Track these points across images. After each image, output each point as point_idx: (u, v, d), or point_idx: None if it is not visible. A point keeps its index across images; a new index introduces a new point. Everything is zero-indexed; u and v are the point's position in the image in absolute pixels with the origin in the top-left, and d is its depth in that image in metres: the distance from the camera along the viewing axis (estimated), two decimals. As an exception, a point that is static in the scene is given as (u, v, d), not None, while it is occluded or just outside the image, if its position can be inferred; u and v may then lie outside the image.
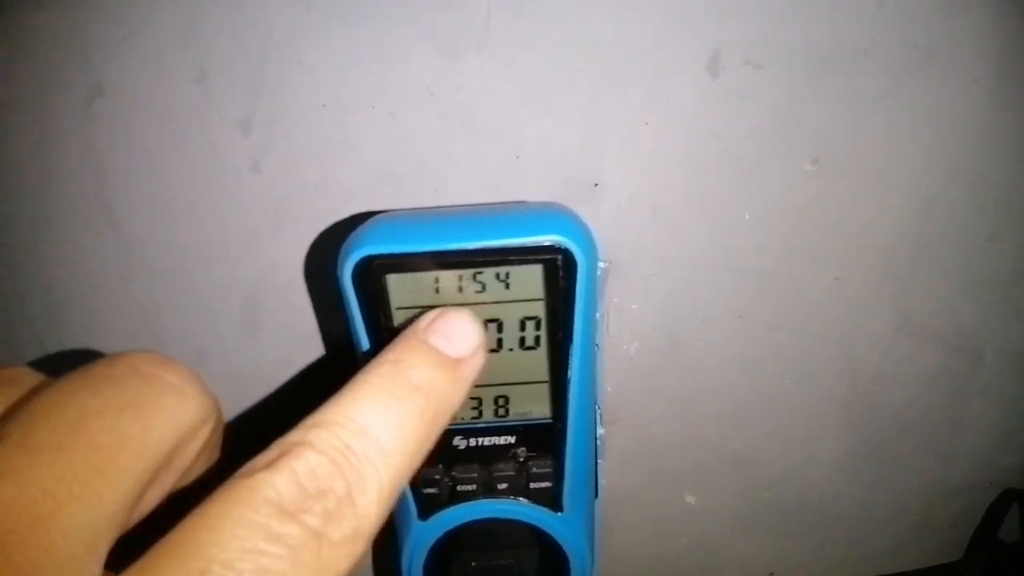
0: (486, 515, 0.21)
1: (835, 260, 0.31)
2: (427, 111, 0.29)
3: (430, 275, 0.18)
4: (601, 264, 0.29)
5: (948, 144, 0.29)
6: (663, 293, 0.32)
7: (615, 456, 0.34)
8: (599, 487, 0.23)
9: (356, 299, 0.18)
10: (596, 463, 0.22)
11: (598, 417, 0.21)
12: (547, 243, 0.17)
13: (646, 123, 0.28)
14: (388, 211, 0.20)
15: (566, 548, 0.22)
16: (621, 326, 0.32)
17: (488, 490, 0.21)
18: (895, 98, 0.28)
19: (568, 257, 0.18)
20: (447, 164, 0.29)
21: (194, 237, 0.31)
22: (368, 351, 0.19)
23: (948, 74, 0.28)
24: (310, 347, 0.32)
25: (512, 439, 0.20)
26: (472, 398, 0.20)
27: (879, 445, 0.35)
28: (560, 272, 0.18)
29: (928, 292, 0.32)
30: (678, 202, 0.30)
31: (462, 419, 0.20)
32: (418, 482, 0.20)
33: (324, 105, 0.29)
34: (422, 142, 0.29)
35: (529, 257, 0.18)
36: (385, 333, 0.19)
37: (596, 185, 0.29)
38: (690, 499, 0.36)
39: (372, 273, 0.18)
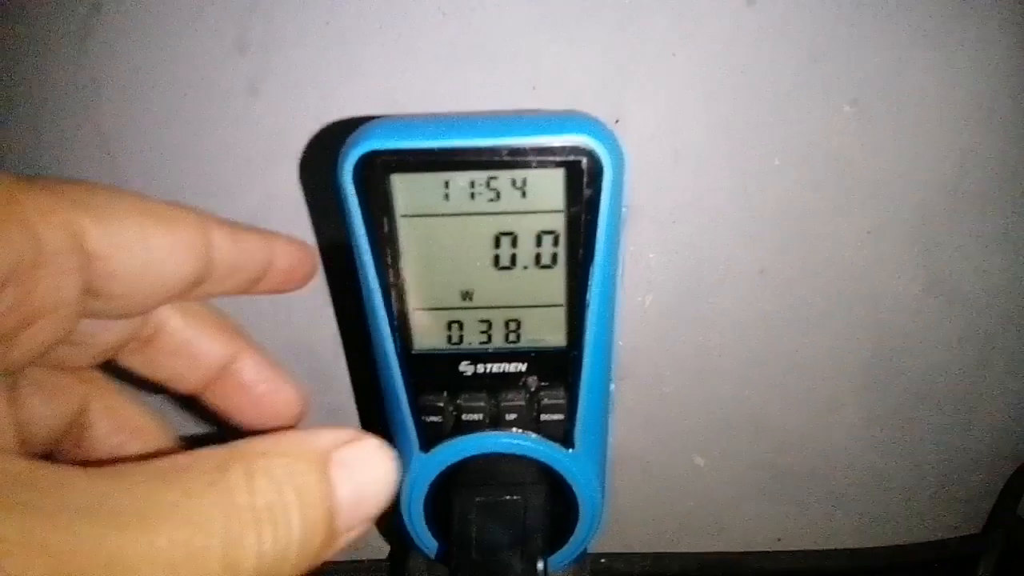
0: (493, 449, 0.20)
1: (868, 212, 0.29)
2: (438, 34, 0.27)
3: (440, 177, 0.16)
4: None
5: (989, 94, 0.28)
6: (682, 242, 0.30)
7: (624, 413, 0.33)
8: (610, 432, 0.22)
9: (357, 204, 0.17)
10: (610, 400, 0.21)
11: (615, 350, 0.20)
12: (571, 143, 0.16)
13: (673, 55, 0.27)
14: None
15: (576, 488, 0.20)
16: (637, 276, 0.31)
17: (495, 421, 0.19)
18: (938, 41, 0.27)
19: (594, 161, 0.16)
20: (458, 93, 0.28)
21: (189, 165, 0.29)
22: (370, 269, 0.18)
23: (992, 21, 0.26)
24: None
25: (523, 367, 0.19)
26: (481, 321, 0.18)
27: (899, 412, 0.34)
28: (585, 178, 0.16)
29: (960, 251, 0.30)
30: (704, 144, 0.28)
31: (469, 343, 0.19)
32: (421, 411, 0.19)
33: (327, 23, 0.27)
34: (432, 68, 0.27)
35: (550, 159, 0.16)
36: (388, 247, 0.17)
37: (617, 122, 0.28)
38: (699, 461, 0.35)
39: (376, 171, 0.16)
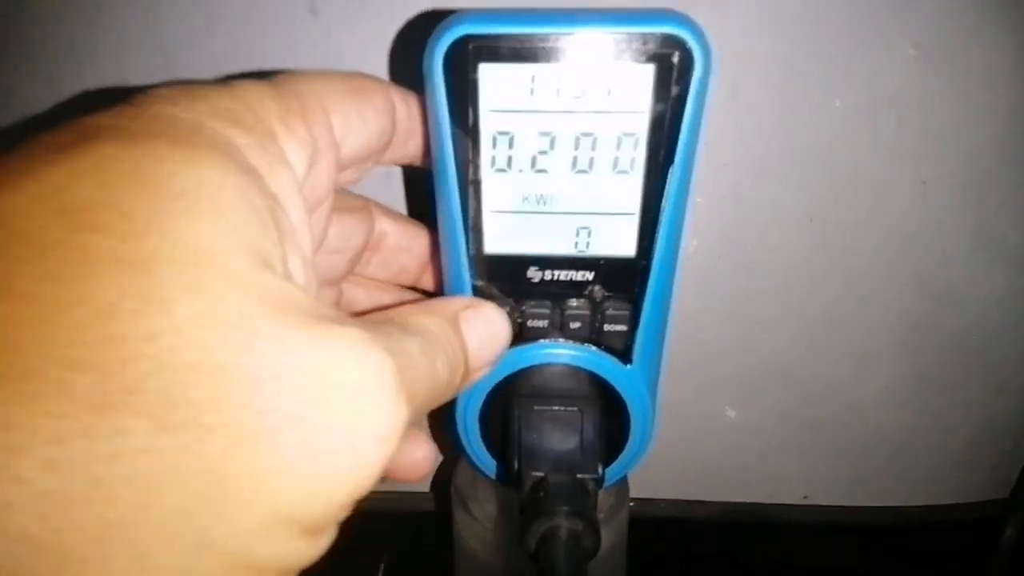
0: (554, 361, 0.20)
1: (924, 162, 0.29)
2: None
3: (528, 70, 0.16)
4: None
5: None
6: (732, 185, 0.30)
7: (669, 343, 0.33)
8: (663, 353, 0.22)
9: (444, 93, 0.16)
10: (669, 318, 0.21)
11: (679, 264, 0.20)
12: (664, 34, 0.16)
13: (739, -15, 0.26)
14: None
15: (631, 405, 0.21)
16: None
17: (559, 329, 0.19)
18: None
19: (685, 55, 0.16)
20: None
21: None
22: (449, 163, 0.18)
23: None
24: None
25: (590, 275, 0.19)
26: (553, 226, 0.18)
27: (934, 371, 0.34)
28: (675, 73, 0.16)
29: (1006, 205, 0.30)
30: (763, 80, 0.28)
31: (539, 249, 0.19)
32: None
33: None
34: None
35: (641, 50, 0.16)
36: (471, 141, 0.17)
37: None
38: (731, 413, 0.35)
39: (465, 59, 0.16)
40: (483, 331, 0.17)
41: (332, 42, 0.28)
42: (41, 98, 0.30)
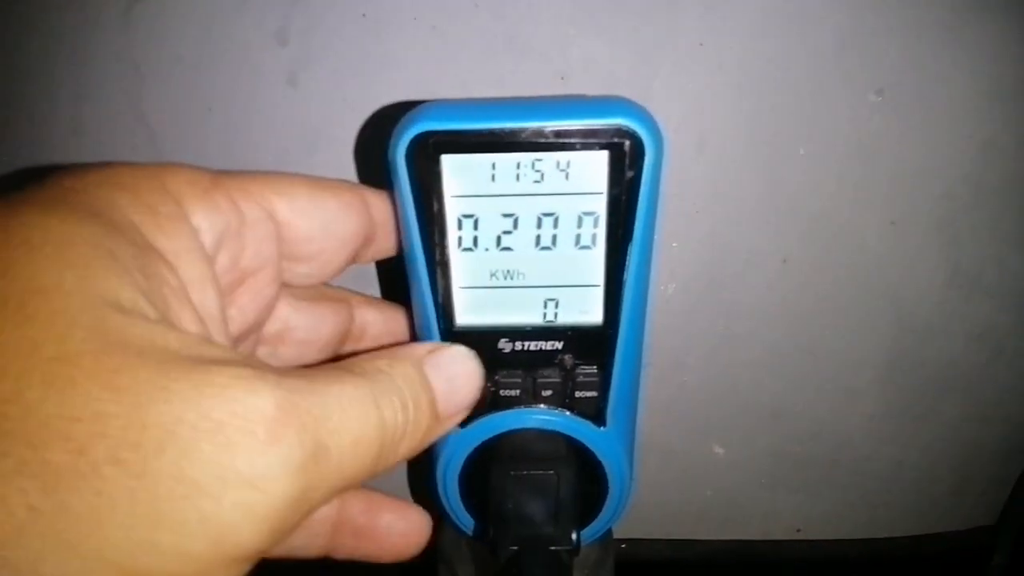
0: (528, 425, 0.20)
1: (892, 203, 0.29)
2: (471, 25, 0.27)
3: (487, 159, 0.17)
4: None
5: (1010, 86, 0.28)
6: (706, 232, 0.31)
7: (645, 402, 0.33)
8: (639, 413, 0.22)
9: (409, 183, 0.17)
10: (640, 380, 0.21)
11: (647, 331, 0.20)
12: (615, 126, 0.16)
13: (700, 44, 0.27)
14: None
15: (606, 465, 0.21)
16: (660, 265, 0.31)
17: (532, 397, 0.20)
18: (961, 33, 0.27)
19: (637, 143, 0.17)
20: (490, 83, 0.28)
21: (229, 152, 0.30)
22: (417, 246, 0.18)
23: (1012, 12, 0.26)
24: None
25: (559, 345, 0.19)
26: (521, 299, 0.19)
27: (917, 403, 0.34)
28: (627, 160, 0.17)
29: (982, 242, 0.31)
30: (729, 133, 0.28)
31: (509, 321, 0.19)
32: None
33: (364, 15, 0.27)
34: (465, 58, 0.28)
35: (594, 141, 0.16)
36: (436, 225, 0.18)
37: (644, 112, 0.28)
38: (719, 450, 0.36)
39: (428, 152, 0.17)
40: (450, 372, 0.17)
41: (311, 113, 0.29)
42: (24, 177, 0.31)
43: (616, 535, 0.29)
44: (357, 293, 0.23)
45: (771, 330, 0.33)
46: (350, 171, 0.29)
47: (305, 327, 0.20)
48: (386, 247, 0.20)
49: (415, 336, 0.21)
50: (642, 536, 0.36)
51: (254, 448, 0.11)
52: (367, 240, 0.19)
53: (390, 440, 0.15)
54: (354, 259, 0.20)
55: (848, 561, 0.36)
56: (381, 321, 0.22)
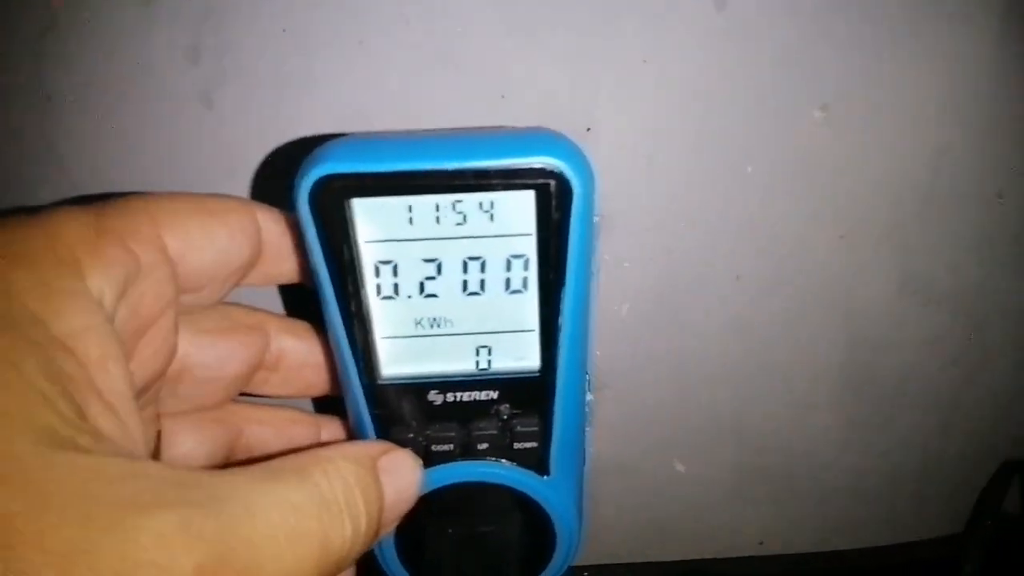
0: (464, 478, 0.19)
1: (840, 216, 0.29)
2: (402, 41, 0.26)
3: (403, 201, 0.16)
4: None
5: (959, 94, 0.28)
6: (657, 250, 0.30)
7: (603, 423, 0.32)
8: (586, 455, 0.21)
9: (315, 229, 0.16)
10: (585, 423, 0.20)
11: (588, 377, 0.19)
12: (539, 165, 0.15)
13: (644, 61, 0.26)
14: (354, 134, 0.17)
15: (552, 514, 0.20)
16: (612, 285, 0.30)
17: (467, 451, 0.19)
18: (906, 44, 0.26)
19: (563, 183, 0.15)
20: (423, 102, 0.27)
21: (144, 179, 0.28)
22: (331, 296, 0.17)
23: (958, 21, 0.26)
24: (267, 301, 0.30)
25: (495, 394, 0.18)
26: (449, 348, 0.18)
27: (877, 413, 0.34)
28: (554, 201, 0.15)
29: (934, 250, 0.30)
30: (676, 151, 0.27)
31: (438, 372, 0.18)
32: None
33: (284, 31, 0.26)
34: (395, 76, 0.26)
35: (518, 182, 0.15)
36: (350, 274, 0.16)
37: (588, 130, 0.27)
38: (680, 467, 0.35)
39: (334, 196, 0.15)
40: (401, 481, 0.17)
41: (228, 134, 0.27)
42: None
43: (579, 563, 0.28)
44: (275, 316, 0.21)
45: (727, 346, 0.32)
46: (273, 195, 0.28)
47: (209, 364, 0.19)
48: (274, 274, 0.19)
49: (336, 383, 0.19)
50: (605, 561, 0.36)
51: None
52: (252, 262, 0.18)
53: (331, 563, 0.14)
54: (239, 280, 0.19)
55: (814, 574, 0.36)
56: (301, 348, 0.21)
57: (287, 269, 0.19)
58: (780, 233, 0.29)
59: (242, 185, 0.28)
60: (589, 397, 0.28)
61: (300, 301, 0.28)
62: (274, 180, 0.27)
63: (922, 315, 0.32)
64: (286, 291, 0.28)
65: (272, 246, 0.18)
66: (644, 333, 0.31)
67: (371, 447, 0.17)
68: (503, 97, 0.27)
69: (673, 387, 0.33)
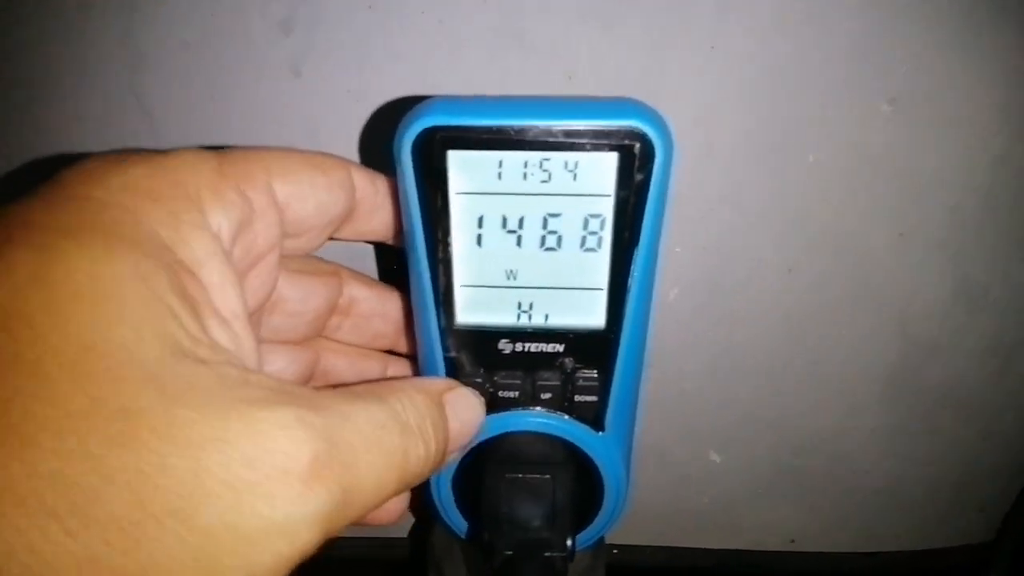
0: (525, 428, 0.20)
1: (901, 214, 0.29)
2: (479, 21, 0.27)
3: (494, 156, 0.17)
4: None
5: (1019, 106, 0.28)
6: (711, 237, 0.30)
7: (644, 407, 0.33)
8: (637, 417, 0.22)
9: (414, 178, 0.17)
10: (640, 386, 0.21)
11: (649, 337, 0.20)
12: (626, 127, 0.16)
13: (712, 47, 0.27)
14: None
15: (603, 471, 0.21)
16: (663, 269, 0.31)
17: (530, 399, 0.20)
18: (975, 45, 0.27)
19: (647, 145, 0.16)
20: (495, 80, 0.28)
21: (229, 141, 0.30)
22: (420, 242, 0.18)
23: (1021, 34, 0.26)
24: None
25: (561, 347, 0.19)
26: (523, 300, 0.19)
27: (920, 420, 0.34)
28: (636, 162, 0.16)
29: (990, 256, 0.30)
30: (738, 138, 0.28)
31: (510, 322, 0.19)
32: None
33: (370, 7, 0.27)
34: (471, 55, 0.28)
35: (604, 142, 0.16)
36: (440, 222, 0.18)
37: (653, 115, 0.28)
38: (716, 458, 0.35)
39: (434, 147, 0.16)
40: (464, 416, 0.18)
41: (314, 104, 0.28)
42: (25, 162, 0.31)
43: (609, 541, 0.29)
44: (347, 268, 0.23)
45: (774, 339, 0.32)
46: (355, 161, 0.29)
47: (296, 299, 0.20)
48: (364, 230, 0.20)
49: (411, 330, 0.20)
50: (635, 542, 0.36)
51: (290, 500, 0.13)
52: (348, 215, 0.20)
53: (408, 478, 0.16)
54: (334, 232, 0.20)
55: (842, 574, 0.36)
56: (371, 298, 0.22)
57: (375, 225, 0.20)
58: (837, 226, 0.29)
59: (324, 151, 0.29)
60: (644, 373, 0.29)
61: (374, 264, 0.30)
62: (351, 148, 0.29)
63: (975, 322, 0.31)
64: (363, 255, 0.29)
65: (365, 202, 0.20)
66: (691, 319, 0.32)
67: (438, 382, 0.18)
68: (570, 78, 0.28)
69: (716, 376, 0.33)
